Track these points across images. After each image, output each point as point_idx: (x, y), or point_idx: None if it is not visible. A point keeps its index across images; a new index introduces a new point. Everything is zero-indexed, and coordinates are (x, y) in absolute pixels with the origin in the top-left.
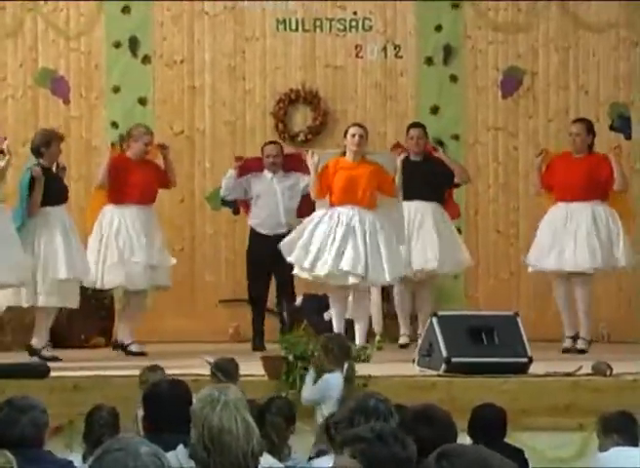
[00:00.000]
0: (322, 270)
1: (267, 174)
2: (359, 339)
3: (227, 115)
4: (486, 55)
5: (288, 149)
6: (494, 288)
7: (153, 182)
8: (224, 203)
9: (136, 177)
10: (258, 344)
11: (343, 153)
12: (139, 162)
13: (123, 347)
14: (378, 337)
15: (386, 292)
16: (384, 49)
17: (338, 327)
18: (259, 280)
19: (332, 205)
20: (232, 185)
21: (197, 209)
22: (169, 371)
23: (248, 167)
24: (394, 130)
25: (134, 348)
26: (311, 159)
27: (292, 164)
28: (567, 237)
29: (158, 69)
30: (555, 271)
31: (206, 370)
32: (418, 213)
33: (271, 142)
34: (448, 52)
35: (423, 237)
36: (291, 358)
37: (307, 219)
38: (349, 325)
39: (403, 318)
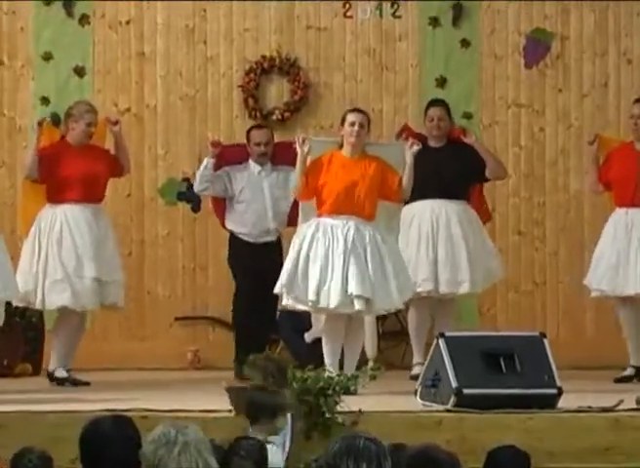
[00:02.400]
0: (332, 301)
1: (254, 166)
2: (348, 370)
3: (185, 88)
4: (505, 14)
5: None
6: (514, 302)
7: (101, 173)
8: (182, 196)
9: (77, 168)
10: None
11: (341, 145)
12: (81, 148)
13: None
14: (371, 364)
15: None
16: (379, 7)
17: (331, 365)
18: (247, 295)
19: (320, 214)
20: (210, 178)
21: (147, 204)
22: (113, 405)
23: (226, 156)
24: (392, 107)
25: (59, 374)
26: (301, 147)
27: (281, 155)
28: (628, 253)
29: (99, 32)
30: (618, 296)
31: (160, 404)
32: (441, 216)
33: (260, 127)
34: (458, 11)
35: (451, 250)
36: None
37: (296, 241)
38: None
39: (418, 343)
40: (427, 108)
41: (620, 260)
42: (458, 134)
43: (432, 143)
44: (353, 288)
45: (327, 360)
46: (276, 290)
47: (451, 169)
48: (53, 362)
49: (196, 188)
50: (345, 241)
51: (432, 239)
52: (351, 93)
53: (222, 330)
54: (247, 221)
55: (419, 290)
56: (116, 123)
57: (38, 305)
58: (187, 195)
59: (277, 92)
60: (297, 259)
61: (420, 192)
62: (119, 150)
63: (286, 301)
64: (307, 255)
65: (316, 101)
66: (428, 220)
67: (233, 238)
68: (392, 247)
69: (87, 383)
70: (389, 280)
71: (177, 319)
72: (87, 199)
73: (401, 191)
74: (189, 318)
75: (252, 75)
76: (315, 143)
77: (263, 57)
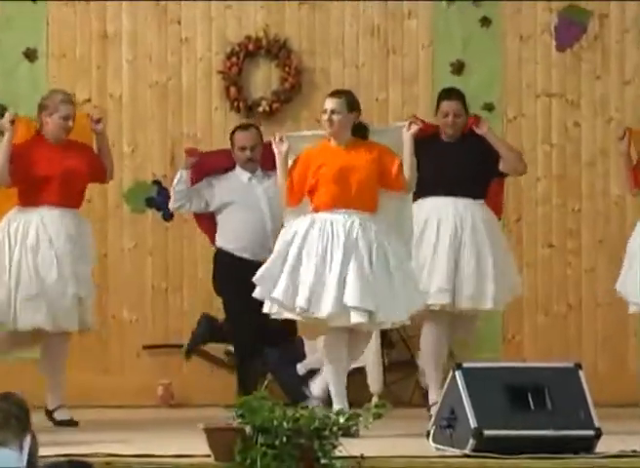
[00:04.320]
0: (323, 310)
1: (242, 174)
2: (317, 389)
3: (155, 75)
4: None
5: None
6: (544, 327)
7: (81, 172)
8: (151, 202)
9: (54, 166)
10: None
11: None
12: (58, 144)
13: (48, 414)
14: (375, 400)
15: (388, 336)
16: None
17: (337, 394)
18: (249, 323)
19: (316, 210)
20: (187, 194)
21: (111, 212)
22: (71, 449)
23: (208, 165)
24: (399, 96)
25: (59, 415)
26: (278, 146)
27: (271, 157)
28: None
29: (54, 9)
30: None
31: (126, 448)
32: (465, 216)
33: (245, 127)
34: None
35: (477, 258)
36: (248, 430)
37: (285, 236)
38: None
39: (434, 375)
40: (440, 101)
41: None
42: (470, 124)
43: (445, 138)
44: (350, 298)
45: (332, 390)
46: (256, 293)
47: (467, 163)
48: (54, 399)
49: (171, 206)
50: (347, 239)
51: (454, 242)
52: (351, 80)
53: (199, 360)
54: (243, 236)
55: (430, 302)
56: (99, 121)
57: (10, 325)
58: (158, 201)
59: (264, 79)
60: (284, 257)
61: (434, 187)
62: (102, 152)
63: (268, 308)
64: (299, 254)
65: (310, 90)
66: (451, 220)
67: (222, 254)
68: (399, 248)
69: (75, 423)
70: (396, 287)
71: (145, 347)
72: (65, 202)
73: (403, 177)
74: (160, 346)
75: (234, 59)
76: (295, 140)
77: (248, 38)
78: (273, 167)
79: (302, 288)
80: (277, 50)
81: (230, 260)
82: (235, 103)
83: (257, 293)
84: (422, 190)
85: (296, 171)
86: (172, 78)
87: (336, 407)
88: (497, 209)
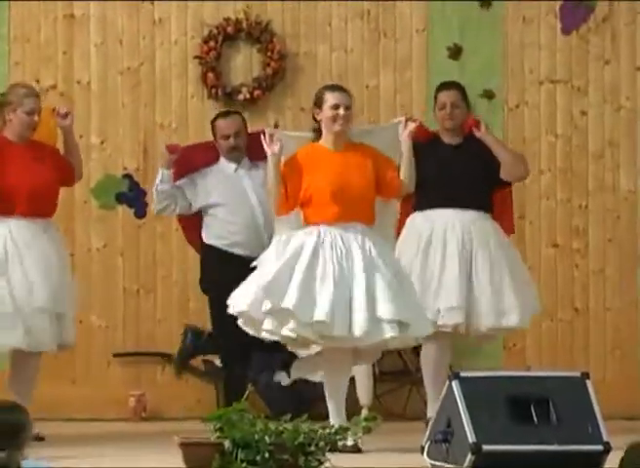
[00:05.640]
0: (356, 328)
1: (227, 165)
2: (335, 417)
3: (126, 60)
4: None
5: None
6: (549, 334)
7: (51, 181)
8: (122, 198)
9: (22, 171)
10: None
11: (318, 135)
12: (24, 145)
13: None
14: (365, 412)
15: None
16: None
17: (335, 411)
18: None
19: (308, 222)
20: (171, 193)
21: (77, 208)
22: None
23: (189, 162)
24: (391, 83)
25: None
26: (270, 146)
27: (256, 148)
28: None
29: None
30: None
31: (95, 463)
32: (472, 230)
33: (227, 113)
34: None
35: (489, 274)
36: (227, 445)
37: (287, 247)
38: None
39: (433, 390)
40: (437, 93)
41: None
42: (470, 126)
43: (447, 139)
44: (384, 311)
45: (330, 408)
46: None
47: (474, 171)
48: None
49: (155, 209)
50: (363, 252)
51: (464, 256)
52: (340, 66)
53: (174, 369)
54: (233, 233)
55: (440, 322)
56: (66, 116)
57: None
58: (129, 196)
59: (244, 64)
60: (291, 269)
61: (437, 198)
62: (69, 151)
63: (270, 324)
64: (311, 267)
65: (295, 77)
66: (458, 233)
67: (211, 249)
68: (395, 259)
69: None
70: (410, 297)
71: (115, 355)
72: (35, 212)
73: (399, 184)
74: (132, 354)
75: (212, 43)
76: (287, 139)
77: (227, 20)
78: (259, 157)
79: (321, 302)
80: (259, 33)
81: (220, 256)
82: (213, 91)
83: (264, 307)
84: (424, 200)
85: (289, 178)
86: (144, 63)
87: (332, 421)
88: (509, 225)
